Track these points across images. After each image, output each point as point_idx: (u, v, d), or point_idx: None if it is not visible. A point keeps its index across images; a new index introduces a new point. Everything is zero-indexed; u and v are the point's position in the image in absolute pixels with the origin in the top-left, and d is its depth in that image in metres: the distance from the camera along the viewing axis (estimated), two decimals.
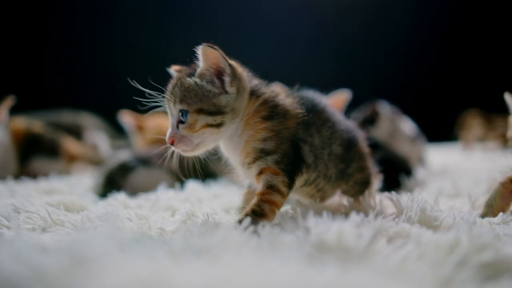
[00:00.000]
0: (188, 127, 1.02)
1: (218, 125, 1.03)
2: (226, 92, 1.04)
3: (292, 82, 1.26)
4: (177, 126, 1.03)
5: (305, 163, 1.09)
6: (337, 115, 1.21)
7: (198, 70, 1.04)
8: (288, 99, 1.12)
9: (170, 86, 1.06)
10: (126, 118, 2.42)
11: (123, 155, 1.86)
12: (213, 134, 1.04)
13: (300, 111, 1.09)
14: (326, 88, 2.07)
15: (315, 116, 1.13)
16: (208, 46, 1.01)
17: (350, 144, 1.18)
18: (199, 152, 1.07)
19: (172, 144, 1.03)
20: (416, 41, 4.13)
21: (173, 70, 1.12)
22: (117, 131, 3.12)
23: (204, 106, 1.02)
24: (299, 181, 1.10)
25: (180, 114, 1.03)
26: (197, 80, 1.04)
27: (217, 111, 1.03)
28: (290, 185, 1.05)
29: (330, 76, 3.94)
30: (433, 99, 3.99)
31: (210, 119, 1.02)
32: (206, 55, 1.03)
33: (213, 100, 1.03)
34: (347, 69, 4.14)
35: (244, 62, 1.11)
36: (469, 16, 4.01)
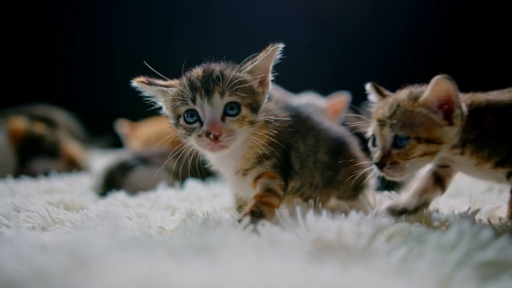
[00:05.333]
0: (240, 120, 0.99)
1: (252, 123, 1.01)
2: (263, 93, 1.04)
3: (292, 82, 1.27)
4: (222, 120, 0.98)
5: (293, 169, 1.09)
6: (324, 123, 1.21)
7: (252, 66, 1.03)
8: (271, 104, 1.13)
9: (206, 78, 0.99)
10: (123, 128, 2.61)
11: (123, 155, 1.86)
12: (245, 133, 1.01)
13: (286, 116, 1.09)
14: (326, 88, 2.08)
15: (300, 124, 1.13)
16: (277, 46, 1.01)
17: (338, 151, 1.17)
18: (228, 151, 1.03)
19: (218, 136, 0.96)
20: (417, 41, 4.13)
21: (137, 82, 1.06)
22: (90, 131, 3.18)
23: (252, 101, 1.01)
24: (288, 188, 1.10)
25: (229, 107, 0.98)
26: (247, 75, 1.02)
27: (256, 109, 1.02)
28: (285, 189, 1.06)
29: (330, 76, 3.93)
30: None
31: (252, 116, 1.01)
32: (270, 59, 1.02)
33: (256, 97, 1.02)
34: (347, 69, 4.14)
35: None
36: (469, 16, 4.01)
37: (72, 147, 2.49)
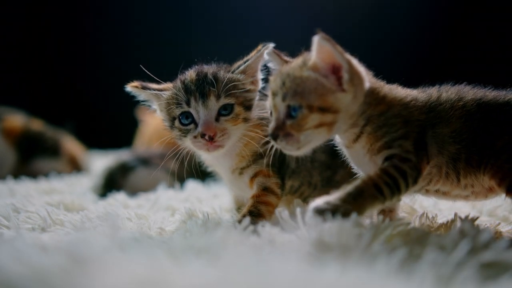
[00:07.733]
0: (234, 118, 1.03)
1: (246, 120, 1.05)
2: (254, 90, 1.08)
3: None
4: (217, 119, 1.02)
5: (289, 168, 1.09)
6: None
7: (245, 66, 1.07)
8: (262, 102, 1.14)
9: (200, 81, 1.04)
10: (142, 115, 2.58)
11: (124, 155, 1.86)
12: (240, 130, 1.05)
13: None
14: None
15: None
16: (267, 46, 1.04)
17: (336, 150, 1.18)
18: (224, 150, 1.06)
19: (213, 136, 1.00)
20: (416, 41, 4.13)
21: (131, 87, 1.09)
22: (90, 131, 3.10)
23: (244, 99, 1.05)
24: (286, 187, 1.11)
25: (223, 107, 1.03)
26: (240, 75, 1.06)
27: (249, 106, 1.06)
28: (282, 187, 1.07)
29: None
30: None
31: (245, 114, 1.05)
32: (260, 58, 1.06)
33: (248, 95, 1.06)
34: None
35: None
36: (469, 16, 4.01)
37: (72, 145, 2.48)
